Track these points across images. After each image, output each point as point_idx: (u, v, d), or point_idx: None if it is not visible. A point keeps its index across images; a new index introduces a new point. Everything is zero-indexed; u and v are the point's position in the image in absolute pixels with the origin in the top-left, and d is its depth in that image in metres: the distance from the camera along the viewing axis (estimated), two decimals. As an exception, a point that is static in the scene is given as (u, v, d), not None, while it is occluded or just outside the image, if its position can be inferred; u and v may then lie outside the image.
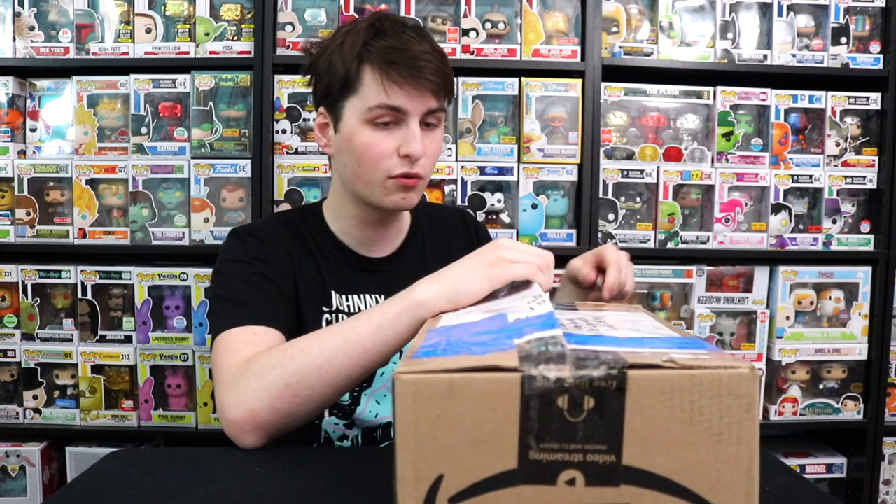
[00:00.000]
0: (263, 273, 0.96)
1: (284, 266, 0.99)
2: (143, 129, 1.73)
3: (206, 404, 1.71)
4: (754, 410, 0.46)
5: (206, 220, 1.71)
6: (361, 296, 1.04)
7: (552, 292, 0.99)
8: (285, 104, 1.70)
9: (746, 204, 1.78)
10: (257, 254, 0.98)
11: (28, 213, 1.73)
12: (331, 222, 1.07)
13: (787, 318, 1.77)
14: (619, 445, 0.44)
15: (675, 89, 1.75)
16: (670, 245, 1.75)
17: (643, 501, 0.45)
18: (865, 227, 1.80)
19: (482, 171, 1.71)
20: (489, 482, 0.45)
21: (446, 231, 1.17)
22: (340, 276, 1.04)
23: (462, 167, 1.70)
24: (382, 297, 1.04)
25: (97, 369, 1.71)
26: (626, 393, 0.44)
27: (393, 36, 0.93)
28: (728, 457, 0.46)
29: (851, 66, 1.78)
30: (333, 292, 1.03)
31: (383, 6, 1.72)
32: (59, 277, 1.72)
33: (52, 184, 1.74)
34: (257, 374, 0.77)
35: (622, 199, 1.75)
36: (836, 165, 1.79)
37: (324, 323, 1.01)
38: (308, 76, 1.04)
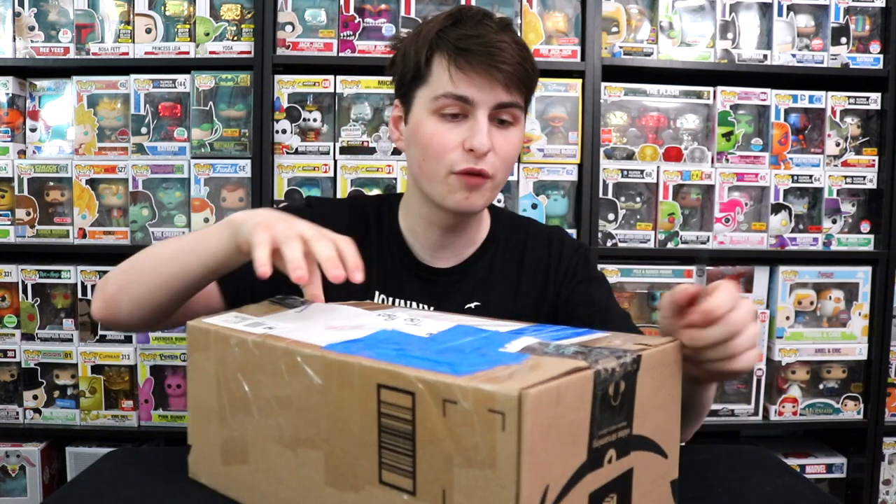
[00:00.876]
0: None
1: None
2: (143, 129, 1.72)
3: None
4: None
5: (206, 220, 1.71)
6: (409, 302, 0.97)
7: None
8: (285, 104, 1.70)
9: (746, 204, 1.77)
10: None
11: (28, 213, 1.73)
12: (402, 219, 1.00)
13: (787, 318, 1.77)
14: (632, 419, 0.51)
15: (675, 89, 1.75)
16: (670, 245, 1.75)
17: (639, 462, 0.53)
18: (865, 227, 1.80)
19: (482, 171, 1.70)
20: (572, 480, 0.46)
21: (523, 248, 1.02)
22: (392, 279, 0.98)
23: (462, 167, 1.70)
24: (432, 308, 0.95)
25: (97, 369, 1.71)
26: (639, 373, 0.51)
27: (470, 25, 0.87)
28: (673, 412, 0.56)
29: (851, 66, 1.78)
30: (378, 292, 0.97)
31: (383, 6, 1.72)
32: (59, 277, 1.72)
33: (52, 184, 1.74)
34: (121, 267, 0.89)
35: (622, 199, 1.75)
36: (836, 165, 1.79)
37: None
38: (391, 73, 0.98)
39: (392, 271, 0.98)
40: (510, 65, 0.85)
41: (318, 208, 0.99)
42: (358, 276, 0.67)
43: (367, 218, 1.01)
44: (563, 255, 1.01)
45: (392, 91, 1.72)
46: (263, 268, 0.65)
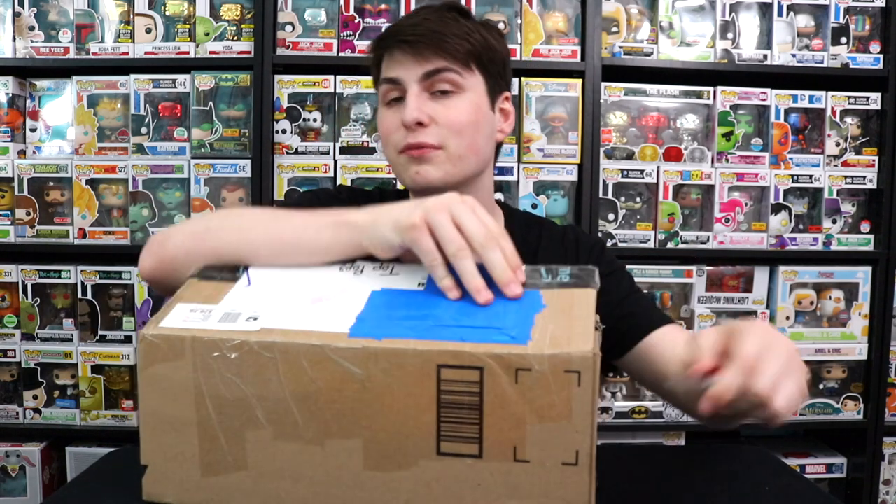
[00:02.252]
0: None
1: None
2: (143, 129, 1.72)
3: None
4: None
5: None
6: None
7: None
8: (285, 104, 1.70)
9: (746, 204, 1.77)
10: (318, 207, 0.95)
11: (28, 213, 1.73)
12: None
13: (787, 318, 1.77)
14: None
15: (675, 89, 1.75)
16: (670, 245, 1.75)
17: None
18: (865, 227, 1.80)
19: (482, 171, 1.70)
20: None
21: (536, 247, 1.00)
22: None
23: (462, 167, 1.70)
24: None
25: (97, 369, 1.71)
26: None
27: (410, 15, 0.90)
28: None
29: (851, 66, 1.78)
30: None
31: (383, 6, 1.72)
32: (59, 277, 1.72)
33: (52, 184, 1.74)
34: (182, 223, 0.80)
35: (622, 199, 1.75)
36: (836, 165, 1.79)
37: None
38: None
39: None
40: (429, 31, 0.84)
41: (345, 196, 0.98)
42: (515, 289, 0.59)
43: None
44: (579, 252, 0.99)
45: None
46: (455, 292, 0.60)
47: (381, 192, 1.07)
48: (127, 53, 1.71)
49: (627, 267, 1.00)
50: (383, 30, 0.92)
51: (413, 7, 1.70)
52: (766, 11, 1.78)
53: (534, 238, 1.00)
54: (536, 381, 0.50)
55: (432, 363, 0.52)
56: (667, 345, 0.87)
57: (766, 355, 0.52)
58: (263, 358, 0.57)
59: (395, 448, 0.54)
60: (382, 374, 0.54)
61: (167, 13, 1.72)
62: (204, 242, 0.73)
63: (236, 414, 0.59)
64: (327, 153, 1.71)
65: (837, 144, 1.79)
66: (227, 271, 0.68)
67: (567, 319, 0.52)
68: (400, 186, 1.02)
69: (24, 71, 1.77)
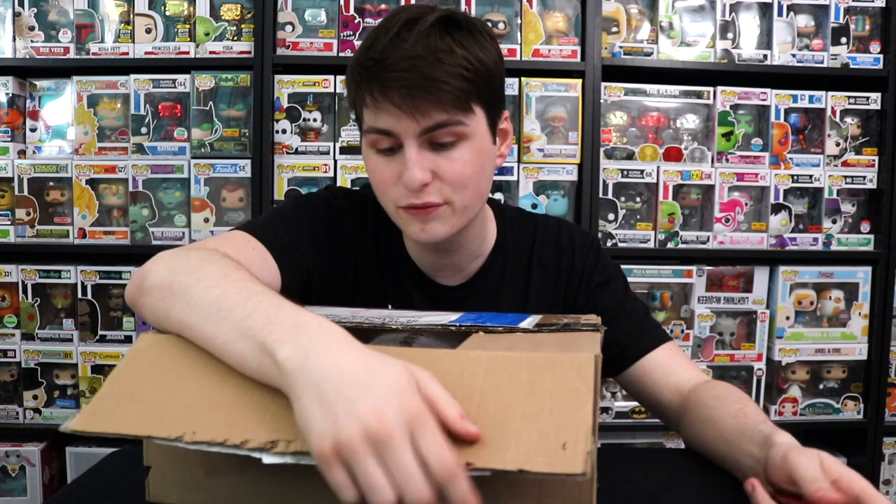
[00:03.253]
0: (303, 234, 0.86)
1: (328, 256, 0.88)
2: (143, 129, 1.72)
3: (206, 404, 1.71)
4: None
5: (206, 220, 1.71)
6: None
7: None
8: (285, 104, 1.70)
9: (746, 204, 1.77)
10: (319, 225, 0.88)
11: (28, 213, 1.73)
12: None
13: (787, 318, 1.77)
14: None
15: (675, 89, 1.75)
16: (670, 245, 1.75)
17: None
18: (865, 227, 1.80)
19: (482, 171, 1.70)
20: None
21: (530, 251, 0.94)
22: (402, 291, 0.92)
23: (462, 167, 1.70)
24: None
25: (97, 369, 1.71)
26: None
27: (381, 43, 0.76)
28: None
29: (851, 66, 1.78)
30: (391, 305, 0.91)
31: (383, 6, 1.72)
32: (59, 277, 1.72)
33: (52, 184, 1.74)
34: (167, 273, 0.68)
35: (622, 199, 1.75)
36: (836, 165, 1.79)
37: None
38: None
39: (403, 284, 0.92)
40: (424, 80, 0.73)
41: (348, 213, 0.92)
42: None
43: (380, 219, 0.91)
44: (574, 259, 0.94)
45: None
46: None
47: (375, 200, 0.98)
48: (127, 53, 1.71)
49: (628, 267, 0.99)
50: (360, 52, 0.79)
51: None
52: (766, 11, 1.78)
53: (527, 241, 0.95)
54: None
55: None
56: (660, 374, 0.87)
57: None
58: None
59: None
60: None
61: (167, 13, 1.72)
62: (167, 316, 0.63)
63: None
64: (327, 153, 1.71)
65: (837, 144, 1.79)
66: None
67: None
68: None
69: (24, 71, 1.77)
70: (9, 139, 1.73)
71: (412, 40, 0.75)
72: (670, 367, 0.88)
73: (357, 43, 1.70)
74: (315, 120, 1.71)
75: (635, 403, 1.75)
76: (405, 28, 0.77)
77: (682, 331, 1.76)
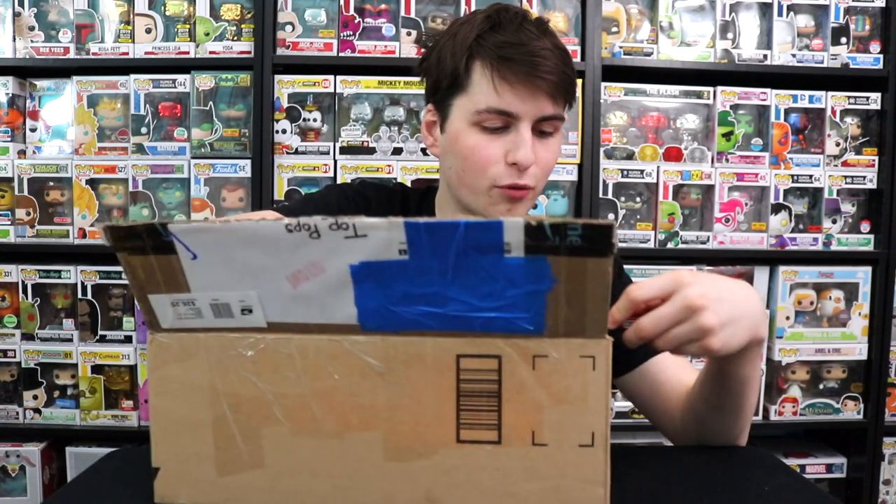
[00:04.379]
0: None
1: None
2: (143, 129, 1.73)
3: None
4: None
5: (206, 220, 1.71)
6: None
7: None
8: (285, 104, 1.70)
9: (746, 204, 1.77)
10: (348, 210, 0.89)
11: (28, 213, 1.73)
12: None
13: (788, 318, 1.77)
14: None
15: (675, 89, 1.75)
16: (670, 245, 1.75)
17: None
18: (865, 227, 1.80)
19: (482, 171, 1.70)
20: None
21: None
22: None
23: (462, 167, 1.70)
24: None
25: (97, 369, 1.71)
26: None
27: (510, 30, 0.82)
28: None
29: (851, 66, 1.78)
30: None
31: (383, 6, 1.72)
32: (59, 277, 1.72)
33: (52, 184, 1.74)
34: None
35: (622, 199, 1.75)
36: (836, 165, 1.79)
37: None
38: (420, 74, 0.93)
39: None
40: (555, 74, 0.81)
41: (375, 201, 0.95)
42: None
43: (410, 213, 0.96)
44: None
45: (398, 91, 1.74)
46: None
47: (405, 191, 1.01)
48: (127, 53, 1.71)
49: (628, 267, 0.99)
50: (481, 36, 0.82)
51: (413, 8, 1.70)
52: (766, 11, 1.78)
53: None
54: (553, 367, 0.52)
55: (452, 353, 0.54)
56: (664, 378, 0.88)
57: (708, 293, 0.61)
58: (280, 355, 0.57)
59: (416, 438, 0.55)
60: (403, 366, 0.55)
61: (167, 13, 1.72)
62: None
63: (253, 412, 0.59)
64: (327, 153, 1.71)
65: (837, 144, 1.79)
66: (150, 237, 0.56)
67: (580, 301, 0.52)
68: (401, 180, 1.00)
69: (24, 71, 1.77)
70: (9, 139, 1.73)
71: (536, 33, 0.82)
72: (675, 371, 0.88)
73: (357, 43, 1.70)
74: (315, 120, 1.71)
75: (635, 403, 1.75)
76: (524, 20, 0.83)
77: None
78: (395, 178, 1.68)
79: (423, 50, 0.92)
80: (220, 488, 0.61)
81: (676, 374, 0.88)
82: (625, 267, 1.07)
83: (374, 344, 0.55)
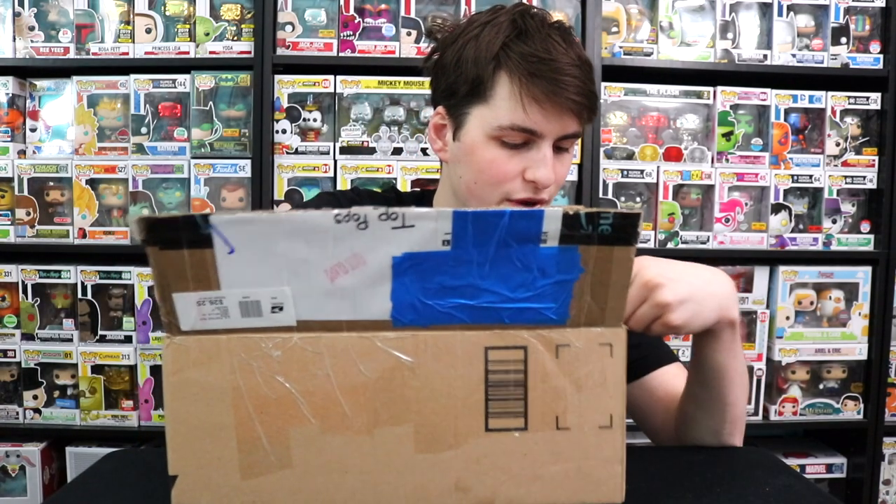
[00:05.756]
0: None
1: None
2: (143, 129, 1.73)
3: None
4: None
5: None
6: None
7: None
8: (285, 104, 1.70)
9: (746, 204, 1.78)
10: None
11: (28, 213, 1.73)
12: None
13: (787, 318, 1.77)
14: None
15: (675, 89, 1.75)
16: (670, 245, 1.75)
17: None
18: (865, 227, 1.80)
19: (482, 171, 1.70)
20: None
21: None
22: None
23: (462, 167, 1.70)
24: None
25: (97, 369, 1.71)
26: None
27: (537, 39, 0.78)
28: None
29: (851, 66, 1.78)
30: None
31: (383, 6, 1.72)
32: (59, 277, 1.72)
33: (52, 184, 1.74)
34: None
35: (622, 199, 1.75)
36: (836, 165, 1.79)
37: None
38: (428, 65, 0.88)
39: None
40: (583, 95, 0.78)
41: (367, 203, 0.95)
42: None
43: None
44: None
45: (398, 91, 1.74)
46: None
47: (399, 196, 1.01)
48: (127, 53, 1.71)
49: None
50: (507, 45, 0.79)
51: (413, 8, 1.70)
52: (766, 11, 1.78)
53: None
54: (575, 355, 0.56)
55: (480, 346, 0.56)
56: (663, 392, 0.88)
57: (666, 273, 0.66)
58: (309, 354, 0.56)
59: (446, 429, 0.57)
60: (432, 359, 0.56)
61: (167, 13, 1.72)
62: None
63: (279, 412, 0.58)
64: (327, 153, 1.71)
65: (837, 144, 1.79)
66: (187, 229, 0.54)
67: (604, 289, 0.55)
68: (401, 187, 1.02)
69: (24, 71, 1.77)
70: (9, 139, 1.73)
71: (563, 45, 0.79)
72: (675, 384, 0.87)
73: (357, 43, 1.70)
74: (315, 120, 1.71)
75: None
76: (550, 28, 0.80)
77: (682, 331, 1.75)
78: (395, 178, 1.68)
79: (427, 47, 0.90)
80: (243, 492, 0.59)
81: (676, 386, 0.87)
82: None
83: (404, 340, 0.56)
